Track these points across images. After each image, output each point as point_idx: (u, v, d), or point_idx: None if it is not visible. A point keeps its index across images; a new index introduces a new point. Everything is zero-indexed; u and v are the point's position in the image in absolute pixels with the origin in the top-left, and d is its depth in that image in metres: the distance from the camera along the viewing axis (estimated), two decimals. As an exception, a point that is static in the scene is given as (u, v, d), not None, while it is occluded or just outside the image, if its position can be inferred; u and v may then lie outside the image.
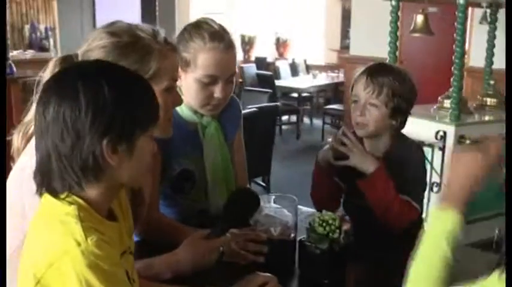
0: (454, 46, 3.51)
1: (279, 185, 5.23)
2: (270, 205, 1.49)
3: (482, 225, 3.41)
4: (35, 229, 0.98)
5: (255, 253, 1.44)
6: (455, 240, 1.06)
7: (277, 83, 8.10)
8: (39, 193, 1.00)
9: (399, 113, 1.75)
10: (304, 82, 8.60)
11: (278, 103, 5.95)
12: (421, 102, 4.05)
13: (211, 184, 1.77)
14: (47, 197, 0.99)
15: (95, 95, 0.94)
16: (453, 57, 3.54)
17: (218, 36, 1.63)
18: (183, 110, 1.71)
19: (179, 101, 1.40)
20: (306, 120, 9.12)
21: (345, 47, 9.89)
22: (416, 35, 3.80)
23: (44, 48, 8.13)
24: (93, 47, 1.26)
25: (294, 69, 9.60)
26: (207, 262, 1.40)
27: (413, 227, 1.60)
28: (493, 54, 4.23)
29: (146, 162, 1.05)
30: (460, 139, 3.54)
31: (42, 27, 8.28)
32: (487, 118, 3.90)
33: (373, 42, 6.05)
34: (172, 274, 1.37)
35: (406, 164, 1.77)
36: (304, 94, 8.62)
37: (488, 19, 4.24)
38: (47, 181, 0.98)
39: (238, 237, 1.46)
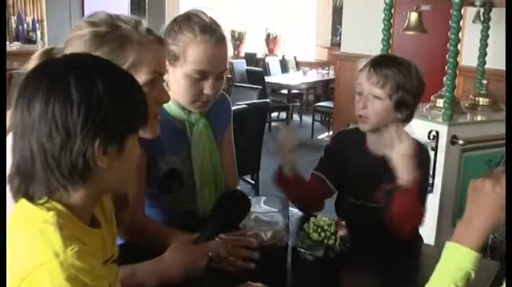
0: (448, 45, 3.46)
1: (268, 183, 5.15)
2: (259, 208, 1.42)
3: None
4: (9, 237, 0.89)
5: (245, 259, 1.36)
6: (469, 282, 1.00)
7: (267, 79, 8.03)
8: (16, 199, 0.91)
9: (404, 106, 1.70)
10: (294, 79, 8.53)
11: (268, 100, 5.87)
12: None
13: (199, 184, 1.69)
14: (23, 202, 0.90)
15: (89, 91, 0.86)
16: (447, 56, 3.48)
17: (209, 29, 1.55)
18: (170, 107, 1.63)
19: (165, 98, 1.32)
20: (296, 117, 9.06)
21: (335, 44, 9.86)
22: (410, 32, 3.74)
23: (30, 41, 7.97)
24: (73, 37, 1.20)
25: (284, 66, 9.54)
26: (196, 268, 1.33)
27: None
28: (485, 54, 4.19)
29: (134, 164, 0.98)
30: (452, 139, 3.49)
31: (29, 19, 8.13)
32: (479, 118, 3.85)
33: (364, 39, 5.99)
34: (158, 282, 1.30)
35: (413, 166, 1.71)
36: (294, 91, 8.56)
37: (482, 18, 4.20)
38: (26, 185, 0.90)
39: (227, 242, 1.39)
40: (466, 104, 4.07)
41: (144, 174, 1.56)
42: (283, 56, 10.01)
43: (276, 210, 1.38)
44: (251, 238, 1.37)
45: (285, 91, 8.46)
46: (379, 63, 1.72)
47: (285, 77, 8.86)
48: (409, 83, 1.68)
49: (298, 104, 9.06)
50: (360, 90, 1.75)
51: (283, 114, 8.45)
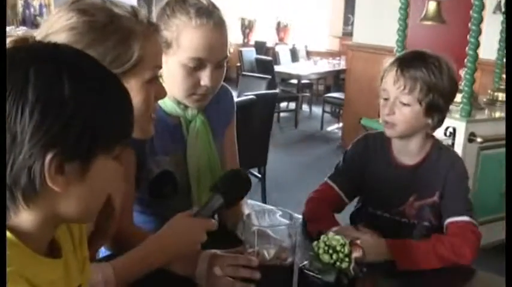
0: (468, 37, 3.27)
1: (274, 176, 5.01)
2: (263, 221, 1.25)
3: (489, 228, 3.21)
4: None
5: (244, 281, 1.19)
6: None
7: (277, 68, 7.82)
8: None
9: (436, 111, 1.51)
10: (305, 69, 8.31)
11: (277, 91, 5.69)
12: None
13: (195, 188, 1.51)
14: None
15: (49, 89, 0.68)
16: (466, 49, 3.30)
17: (206, 12, 1.37)
18: (164, 101, 1.44)
19: (163, 94, 1.15)
20: (305, 108, 8.87)
21: (347, 34, 9.64)
22: (428, 23, 3.54)
23: (37, 25, 7.84)
24: (57, 28, 1.00)
25: (294, 55, 9.32)
26: (194, 242, 1.19)
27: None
28: (505, 47, 3.98)
29: (100, 193, 0.79)
30: (470, 137, 3.31)
31: (36, 3, 7.99)
32: (498, 115, 3.66)
33: (377, 29, 5.79)
34: (159, 264, 1.18)
35: (452, 181, 1.56)
36: (304, 81, 8.36)
37: (503, 9, 3.99)
38: None
39: (224, 260, 1.22)
40: (484, 99, 3.89)
41: (133, 178, 1.39)
42: (293, 45, 9.78)
43: (283, 225, 1.20)
44: (252, 256, 1.19)
45: (294, 81, 8.25)
46: (406, 63, 1.51)
47: (294, 66, 8.64)
48: (440, 83, 1.49)
49: (308, 94, 8.87)
50: (386, 96, 1.55)
51: (292, 105, 8.25)
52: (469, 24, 3.25)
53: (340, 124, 7.55)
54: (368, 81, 6.03)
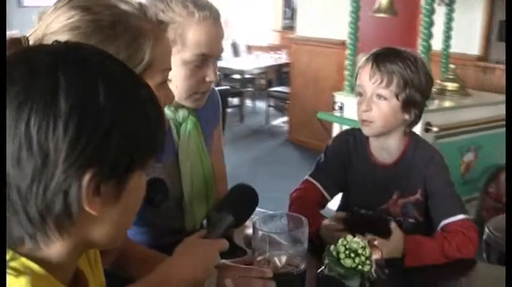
0: (420, 28, 3.33)
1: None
2: (270, 226, 1.19)
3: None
4: None
5: None
6: None
7: (219, 64, 7.71)
8: None
9: (413, 106, 1.49)
10: (247, 63, 8.27)
11: (228, 87, 5.63)
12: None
13: (188, 196, 1.42)
14: None
15: (85, 100, 0.59)
16: (419, 40, 3.36)
17: (205, 5, 1.32)
18: None
19: (172, 98, 1.07)
20: (248, 103, 8.84)
21: (287, 28, 9.68)
22: (381, 15, 3.57)
23: None
24: (56, 28, 0.89)
25: (236, 50, 9.27)
26: (210, 266, 1.07)
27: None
28: (450, 37, 4.09)
29: (132, 213, 0.71)
30: (426, 126, 3.38)
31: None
32: (448, 104, 3.75)
33: (321, 22, 5.83)
34: None
35: (434, 177, 1.54)
36: (247, 76, 8.31)
37: (446, 0, 4.09)
38: None
39: (236, 272, 1.15)
40: (434, 89, 3.98)
41: None
42: (234, 40, 9.72)
43: (294, 230, 1.15)
44: (264, 266, 1.13)
45: (237, 76, 8.20)
46: (382, 58, 1.49)
47: (237, 61, 8.59)
48: (416, 78, 1.46)
49: (251, 89, 8.83)
50: (361, 91, 1.52)
51: (235, 100, 8.20)
52: (421, 16, 3.31)
53: (285, 118, 7.57)
54: (313, 74, 6.09)
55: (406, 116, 1.50)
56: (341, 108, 3.84)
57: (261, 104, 8.49)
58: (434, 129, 3.38)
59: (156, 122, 0.67)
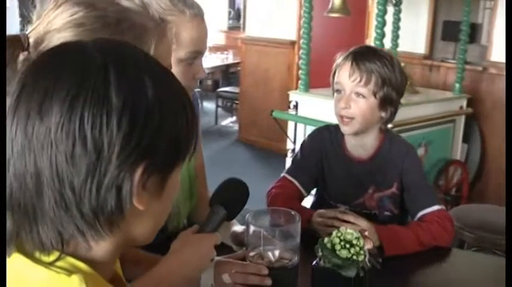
0: (373, 27, 3.42)
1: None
2: (262, 222, 1.20)
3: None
4: None
5: None
6: None
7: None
8: (8, 250, 0.60)
9: (389, 104, 1.53)
10: (195, 64, 8.22)
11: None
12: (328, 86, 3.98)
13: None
14: (21, 261, 0.60)
15: (136, 95, 0.59)
16: (373, 40, 3.45)
17: (192, 2, 1.32)
18: None
19: None
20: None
21: (233, 28, 9.72)
22: (335, 15, 3.65)
23: None
24: (60, 25, 0.86)
25: (182, 51, 9.19)
26: (206, 260, 1.09)
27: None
28: (398, 36, 4.22)
29: (169, 208, 0.71)
30: (380, 123, 3.48)
31: None
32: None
33: (270, 22, 5.89)
34: None
35: (410, 170, 1.60)
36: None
37: (394, 1, 4.22)
38: (25, 228, 0.60)
39: (232, 267, 1.15)
40: (385, 87, 4.10)
41: None
42: (178, 41, 9.66)
43: (287, 225, 1.16)
44: (259, 262, 1.14)
45: (184, 77, 8.15)
46: (361, 57, 1.53)
47: (183, 62, 8.52)
48: (393, 77, 1.52)
49: (199, 89, 8.80)
50: (340, 88, 1.56)
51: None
52: (370, 16, 3.41)
53: (234, 118, 7.60)
54: (262, 74, 6.14)
55: (383, 114, 1.55)
56: (296, 106, 3.89)
57: (208, 105, 8.48)
58: (389, 125, 3.47)
59: (193, 119, 0.67)
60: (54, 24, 0.87)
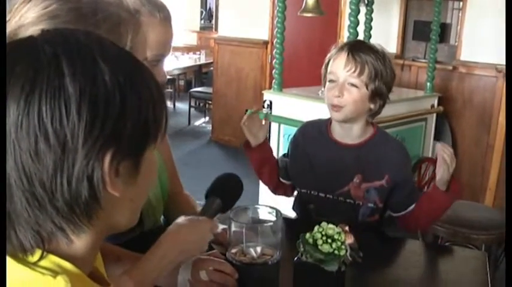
0: (348, 28, 3.46)
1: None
2: (244, 218, 1.21)
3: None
4: None
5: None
6: None
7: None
8: None
9: (379, 97, 1.58)
10: (167, 64, 8.16)
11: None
12: (306, 84, 4.01)
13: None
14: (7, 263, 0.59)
15: (92, 81, 0.57)
16: (345, 39, 3.49)
17: (161, 5, 1.30)
18: None
19: (163, 80, 1.08)
20: (169, 104, 8.75)
21: (205, 28, 9.70)
22: (308, 15, 3.67)
23: None
24: (33, 18, 0.85)
25: (154, 51, 9.13)
26: (204, 240, 1.15)
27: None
28: (370, 36, 4.27)
29: (147, 191, 0.69)
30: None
31: None
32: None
33: (242, 23, 5.90)
34: (174, 264, 1.12)
35: (402, 167, 1.65)
36: (167, 77, 8.22)
37: (366, 1, 4.27)
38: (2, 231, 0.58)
39: (210, 265, 1.16)
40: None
41: None
42: (151, 41, 9.59)
43: (270, 222, 1.17)
44: (241, 257, 1.15)
45: (157, 77, 8.09)
46: (356, 48, 1.58)
47: (155, 62, 8.46)
48: (384, 71, 1.57)
49: (171, 90, 8.75)
50: (333, 78, 1.60)
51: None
52: (347, 16, 3.44)
53: (207, 118, 7.58)
54: (236, 74, 6.14)
55: (372, 106, 1.59)
56: (270, 106, 3.91)
57: (181, 105, 8.44)
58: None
59: (159, 98, 0.65)
60: (27, 17, 0.86)
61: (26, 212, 0.57)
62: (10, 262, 0.59)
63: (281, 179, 1.79)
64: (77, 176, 0.57)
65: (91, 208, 0.59)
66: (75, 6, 0.87)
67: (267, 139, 1.73)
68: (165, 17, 1.27)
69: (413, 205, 1.62)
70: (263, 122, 1.68)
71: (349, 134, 1.65)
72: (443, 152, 1.46)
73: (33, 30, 0.81)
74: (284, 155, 1.82)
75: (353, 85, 1.56)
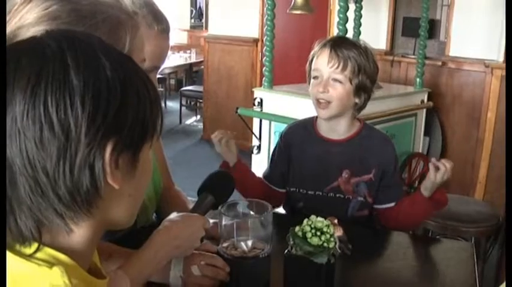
0: (336, 25, 3.47)
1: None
2: (234, 213, 1.22)
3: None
4: None
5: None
6: None
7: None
8: None
9: (363, 91, 1.60)
10: (158, 63, 8.16)
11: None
12: (296, 81, 4.02)
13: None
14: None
15: (95, 74, 0.60)
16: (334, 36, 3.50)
17: (161, 17, 1.28)
18: None
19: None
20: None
21: (195, 27, 9.70)
22: (297, 12, 3.68)
23: None
24: (33, 19, 0.86)
25: (144, 50, 9.11)
26: (196, 236, 1.16)
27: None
28: (359, 33, 4.29)
29: (144, 188, 0.72)
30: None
31: None
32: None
33: (232, 21, 5.91)
34: (167, 258, 1.14)
35: (389, 162, 1.66)
36: (158, 76, 8.20)
37: (356, -2, 4.29)
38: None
39: (202, 259, 1.18)
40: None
41: None
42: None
43: (258, 215, 1.19)
44: (232, 251, 1.17)
45: (147, 76, 8.08)
46: (339, 44, 1.60)
47: (146, 61, 8.45)
48: (367, 65, 1.59)
49: (162, 89, 8.75)
50: (317, 75, 1.61)
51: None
52: (336, 13, 3.46)
53: (198, 117, 7.58)
54: (226, 72, 6.15)
55: (357, 100, 1.61)
56: (260, 103, 3.92)
57: (172, 104, 8.44)
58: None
59: (155, 95, 0.68)
60: (27, 18, 0.86)
61: (28, 199, 0.59)
62: (7, 254, 0.60)
63: (274, 188, 1.78)
64: (79, 164, 0.59)
65: (92, 197, 0.61)
66: (75, 8, 0.88)
67: (240, 159, 1.72)
68: (162, 30, 1.27)
69: (394, 203, 1.64)
70: (233, 145, 1.68)
71: (336, 130, 1.67)
72: (442, 163, 1.48)
73: (33, 31, 0.83)
74: (271, 160, 1.82)
75: (337, 81, 1.58)
